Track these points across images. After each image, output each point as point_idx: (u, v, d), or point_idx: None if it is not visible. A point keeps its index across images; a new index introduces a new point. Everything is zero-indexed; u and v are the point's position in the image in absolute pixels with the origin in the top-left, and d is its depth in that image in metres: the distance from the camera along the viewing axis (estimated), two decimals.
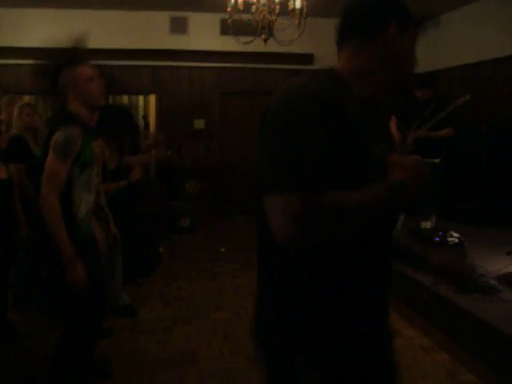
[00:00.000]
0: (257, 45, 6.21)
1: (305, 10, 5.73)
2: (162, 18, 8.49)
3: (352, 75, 1.48)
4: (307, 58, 9.12)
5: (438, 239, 5.08)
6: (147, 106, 9.19)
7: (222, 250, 6.85)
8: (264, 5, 5.84)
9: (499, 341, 3.62)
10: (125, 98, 9.08)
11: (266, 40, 5.96)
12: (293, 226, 1.24)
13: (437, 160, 6.10)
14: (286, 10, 5.86)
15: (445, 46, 8.88)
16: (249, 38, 6.08)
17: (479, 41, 7.95)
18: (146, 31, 8.45)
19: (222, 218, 8.83)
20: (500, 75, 7.60)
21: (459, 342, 4.02)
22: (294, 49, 8.27)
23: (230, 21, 5.91)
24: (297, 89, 1.37)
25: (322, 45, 9.17)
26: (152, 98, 9.01)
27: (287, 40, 5.98)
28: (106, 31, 8.19)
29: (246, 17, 5.88)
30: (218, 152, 9.07)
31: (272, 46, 6.27)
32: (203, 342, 4.15)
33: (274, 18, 5.97)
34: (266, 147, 1.35)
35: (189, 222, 7.99)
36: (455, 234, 5.20)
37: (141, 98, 9.24)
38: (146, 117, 9.00)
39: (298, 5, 5.69)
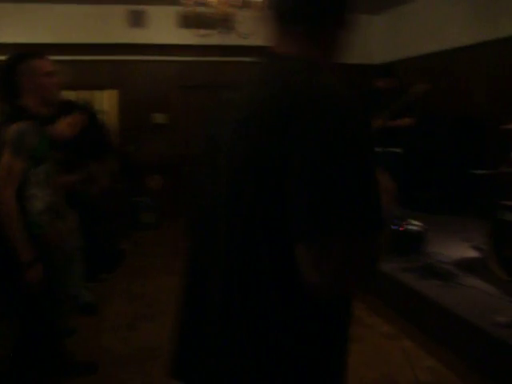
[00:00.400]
0: (217, 38, 6.19)
1: (265, 2, 5.73)
2: (120, 11, 8.36)
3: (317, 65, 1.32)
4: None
5: (398, 227, 5.14)
6: (107, 101, 9.06)
7: None
8: None
9: (458, 325, 3.69)
10: (84, 94, 8.94)
11: (226, 33, 5.95)
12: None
13: (398, 149, 6.17)
14: (245, 3, 5.84)
15: (405, 36, 8.98)
16: (208, 31, 6.05)
17: (438, 31, 8.05)
18: (104, 25, 8.33)
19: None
20: (459, 65, 7.72)
21: (421, 328, 4.09)
22: (256, 41, 8.25)
23: (188, 14, 5.86)
24: (336, 96, 1.16)
25: None
26: (112, 93, 8.90)
27: (248, 33, 5.98)
28: (64, 26, 8.04)
29: (205, 10, 5.84)
30: (181, 146, 9.01)
31: (233, 39, 6.25)
32: (167, 338, 4.11)
33: (233, 10, 5.96)
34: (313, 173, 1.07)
35: (152, 217, 7.94)
36: (416, 222, 5.28)
37: (100, 94, 9.11)
38: (105, 112, 8.88)
39: None
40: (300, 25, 1.31)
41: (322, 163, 1.06)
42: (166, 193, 8.48)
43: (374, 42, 9.79)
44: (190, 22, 5.83)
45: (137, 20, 8.43)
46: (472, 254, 4.95)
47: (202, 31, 6.03)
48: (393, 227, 5.10)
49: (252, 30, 5.86)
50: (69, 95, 8.08)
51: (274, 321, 1.18)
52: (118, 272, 5.70)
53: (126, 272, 5.75)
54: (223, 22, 5.95)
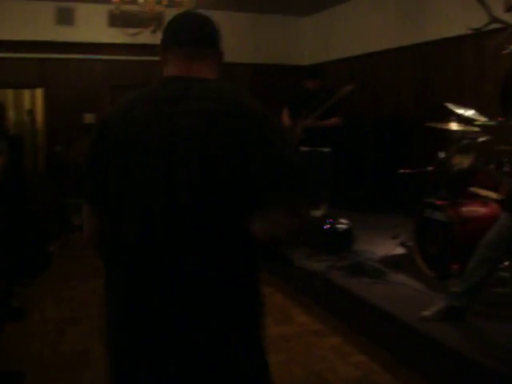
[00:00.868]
0: (147, 37, 6.12)
1: (193, 2, 5.71)
2: (48, 8, 8.14)
3: None
4: None
5: (327, 226, 5.24)
6: (33, 100, 8.80)
7: None
8: None
9: (385, 321, 3.80)
10: (9, 93, 8.66)
11: (154, 32, 5.89)
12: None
13: (326, 149, 6.27)
14: (175, 2, 5.80)
15: (334, 38, 9.14)
16: (138, 30, 5.99)
17: (366, 33, 8.25)
18: (31, 22, 8.08)
19: None
20: (385, 67, 7.94)
21: (350, 325, 4.18)
22: None
23: (117, 12, 5.77)
24: (263, 109, 1.56)
25: None
26: (39, 92, 8.65)
27: None
28: None
29: (134, 8, 5.78)
30: None
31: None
32: (96, 341, 4.05)
33: (163, 9, 5.91)
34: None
35: (81, 219, 7.75)
36: (344, 221, 5.38)
37: (27, 93, 8.83)
38: (32, 111, 8.63)
39: None
40: (210, 50, 1.66)
41: (283, 149, 1.51)
42: None
43: (305, 43, 9.93)
44: (119, 20, 5.73)
45: (65, 17, 8.22)
46: (400, 251, 5.09)
47: (132, 30, 5.96)
48: (323, 227, 5.20)
49: None
50: None
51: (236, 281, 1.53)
52: (47, 275, 5.54)
53: (54, 275, 5.60)
54: (152, 21, 5.89)
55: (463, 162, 3.46)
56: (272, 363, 3.52)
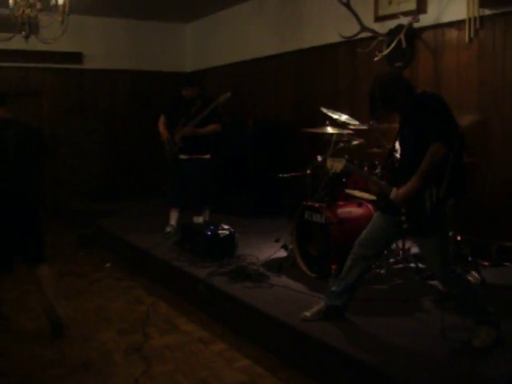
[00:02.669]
0: (20, 42, 5.84)
1: (67, 7, 5.51)
2: None
3: None
4: (76, 57, 8.81)
5: (209, 233, 5.23)
6: None
7: (108, 265, 6.25)
8: None
9: (268, 324, 3.84)
10: None
11: (27, 37, 5.63)
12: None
13: (206, 156, 6.26)
14: (49, 6, 5.57)
15: (215, 45, 9.20)
16: (8, 35, 5.70)
17: (245, 40, 8.37)
18: None
19: None
20: (264, 73, 8.08)
21: (235, 331, 4.19)
22: (62, 47, 7.95)
23: None
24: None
25: (91, 43, 8.97)
26: None
27: (52, 38, 5.73)
28: None
29: (4, 12, 5.50)
30: None
31: (38, 44, 5.94)
32: None
33: (35, 13, 5.65)
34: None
35: None
36: (226, 226, 5.40)
37: None
38: None
39: (60, 1, 5.45)
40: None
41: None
42: None
43: (186, 50, 9.92)
44: None
45: None
46: (282, 254, 5.17)
47: (1, 35, 5.67)
48: (206, 233, 5.19)
49: (56, 35, 5.64)
50: None
51: None
52: None
53: None
54: (24, 26, 5.62)
55: (337, 165, 3.57)
56: (157, 374, 3.46)
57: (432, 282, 4.32)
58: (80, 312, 4.76)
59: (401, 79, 3.32)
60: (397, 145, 3.44)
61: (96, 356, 3.86)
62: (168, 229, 6.26)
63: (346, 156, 4.38)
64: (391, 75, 3.53)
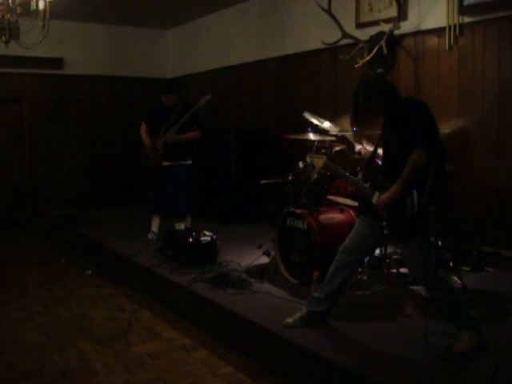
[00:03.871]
0: (0, 47, 5.78)
1: (48, 12, 5.47)
2: None
3: None
4: (57, 63, 8.76)
5: (191, 239, 5.21)
6: None
7: (89, 272, 6.15)
8: (2, 3, 5.44)
9: (252, 331, 3.82)
10: None
11: (7, 42, 5.58)
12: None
13: (188, 161, 6.26)
14: (29, 11, 5.52)
15: (196, 51, 9.20)
16: None
17: (227, 47, 8.38)
18: None
19: None
20: (246, 79, 8.09)
21: (217, 338, 4.16)
22: (43, 52, 7.90)
23: None
24: None
25: (72, 49, 8.92)
26: None
27: (32, 43, 5.67)
28: None
29: None
30: None
31: (19, 49, 5.89)
32: None
33: (15, 18, 5.60)
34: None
35: None
36: (208, 233, 5.38)
37: None
38: None
39: (41, 6, 5.41)
40: None
41: None
42: None
43: (167, 56, 9.91)
44: None
45: None
46: (265, 260, 5.16)
47: None
48: (188, 239, 5.16)
49: (36, 40, 5.58)
50: None
51: None
52: None
53: None
54: (4, 31, 5.57)
55: (316, 161, 3.58)
56: (139, 382, 3.43)
57: (414, 288, 4.34)
58: (60, 320, 4.70)
59: (385, 83, 3.32)
60: (379, 150, 3.45)
61: (76, 364, 3.81)
62: (150, 235, 6.24)
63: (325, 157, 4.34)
64: (376, 79, 3.55)
